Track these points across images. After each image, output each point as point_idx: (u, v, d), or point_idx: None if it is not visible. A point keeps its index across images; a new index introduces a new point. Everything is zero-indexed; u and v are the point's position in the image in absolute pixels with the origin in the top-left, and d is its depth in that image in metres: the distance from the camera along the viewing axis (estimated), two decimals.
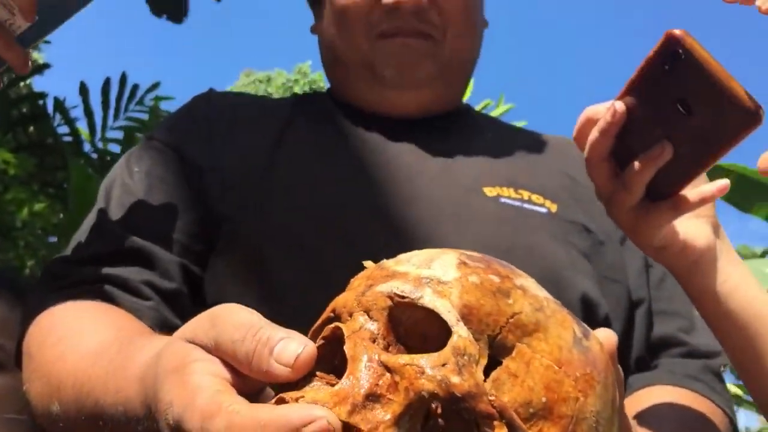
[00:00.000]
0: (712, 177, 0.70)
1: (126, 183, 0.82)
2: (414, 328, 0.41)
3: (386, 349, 0.40)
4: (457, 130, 0.90)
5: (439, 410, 0.39)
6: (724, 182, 0.67)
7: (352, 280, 0.45)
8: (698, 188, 0.67)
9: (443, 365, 0.38)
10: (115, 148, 3.61)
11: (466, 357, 0.38)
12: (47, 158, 3.46)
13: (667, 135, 0.62)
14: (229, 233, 0.77)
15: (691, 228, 0.70)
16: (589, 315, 0.75)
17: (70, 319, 0.69)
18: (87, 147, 3.59)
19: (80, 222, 0.82)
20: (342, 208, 0.77)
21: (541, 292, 0.43)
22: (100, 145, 3.61)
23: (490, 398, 0.38)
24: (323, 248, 0.74)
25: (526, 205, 0.80)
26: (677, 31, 0.58)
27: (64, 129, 3.51)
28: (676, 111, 0.60)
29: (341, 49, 0.89)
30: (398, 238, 0.74)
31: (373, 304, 0.41)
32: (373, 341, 0.40)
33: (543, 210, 0.80)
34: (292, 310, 0.56)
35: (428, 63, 0.85)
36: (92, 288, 0.72)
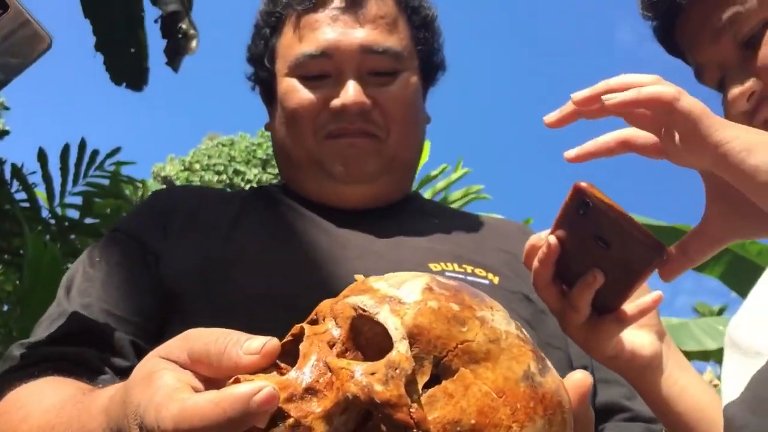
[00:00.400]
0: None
1: (87, 271, 0.86)
2: (373, 339, 0.45)
3: (343, 353, 0.45)
4: (404, 216, 0.95)
5: (380, 415, 0.42)
6: (657, 294, 0.74)
7: (345, 288, 0.49)
8: (637, 301, 0.72)
9: (372, 374, 0.42)
10: (73, 214, 3.58)
11: (397, 371, 0.41)
12: (3, 225, 3.40)
13: (596, 263, 0.68)
14: (181, 315, 0.80)
15: (638, 338, 0.75)
16: None
17: (32, 389, 0.72)
18: (45, 213, 3.54)
19: (36, 289, 0.88)
20: (292, 289, 0.79)
21: (507, 326, 0.46)
22: (58, 211, 3.56)
23: (411, 410, 0.41)
24: (273, 329, 0.76)
25: (469, 278, 0.85)
26: (583, 184, 0.66)
27: (21, 195, 3.45)
28: (597, 245, 0.67)
29: (291, 147, 0.95)
30: None
31: (340, 312, 0.45)
32: (332, 345, 0.45)
33: (485, 282, 0.85)
34: None
35: (374, 160, 0.92)
36: (52, 365, 0.75)
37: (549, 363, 0.48)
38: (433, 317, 0.44)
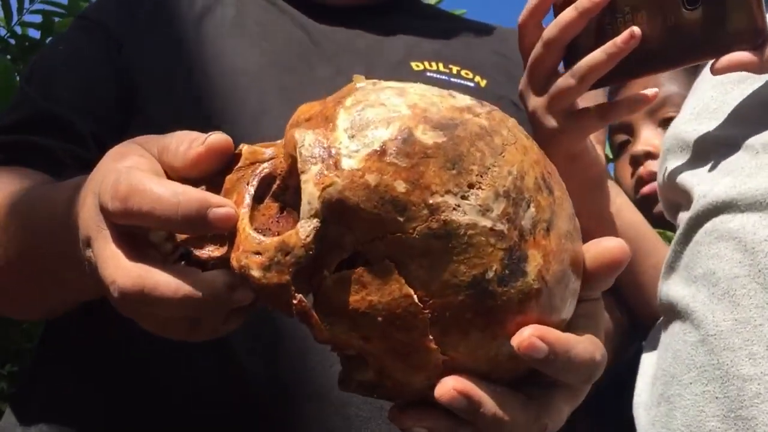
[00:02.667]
0: None
1: (49, 60, 0.83)
2: None
3: (280, 192, 0.40)
4: (393, 15, 0.87)
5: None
6: (653, 91, 0.65)
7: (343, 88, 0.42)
8: (626, 96, 0.67)
9: (257, 253, 0.38)
10: (34, 34, 3.12)
11: (288, 257, 0.37)
12: None
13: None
14: (144, 119, 0.74)
15: (592, 148, 0.72)
16: None
17: None
18: (3, 32, 3.14)
19: None
20: (258, 85, 0.75)
21: (484, 216, 0.37)
22: (18, 30, 3.12)
23: (294, 301, 0.37)
24: (231, 127, 0.63)
25: (453, 79, 0.79)
26: None
27: None
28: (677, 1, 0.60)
29: None
30: None
31: (287, 143, 0.40)
32: (271, 180, 0.41)
33: (471, 84, 0.80)
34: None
35: None
36: (10, 155, 0.71)
37: (532, 263, 0.37)
38: (364, 197, 0.36)
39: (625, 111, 0.67)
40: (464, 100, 0.40)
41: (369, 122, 0.38)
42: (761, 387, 0.56)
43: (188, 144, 0.42)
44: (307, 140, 0.38)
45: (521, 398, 0.40)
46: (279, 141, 0.42)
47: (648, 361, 0.68)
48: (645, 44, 0.60)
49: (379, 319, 0.37)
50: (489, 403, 0.38)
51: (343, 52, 0.79)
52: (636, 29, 0.60)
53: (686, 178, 0.66)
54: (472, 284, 0.36)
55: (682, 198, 0.67)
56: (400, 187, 0.36)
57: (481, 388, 0.38)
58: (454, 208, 0.36)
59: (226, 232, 0.39)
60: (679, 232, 0.66)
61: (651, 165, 1.04)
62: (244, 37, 0.79)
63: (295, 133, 0.39)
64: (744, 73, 0.67)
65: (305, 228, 0.37)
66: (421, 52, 0.81)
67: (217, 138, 0.42)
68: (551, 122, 0.67)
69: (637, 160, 1.04)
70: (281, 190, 0.40)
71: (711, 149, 0.66)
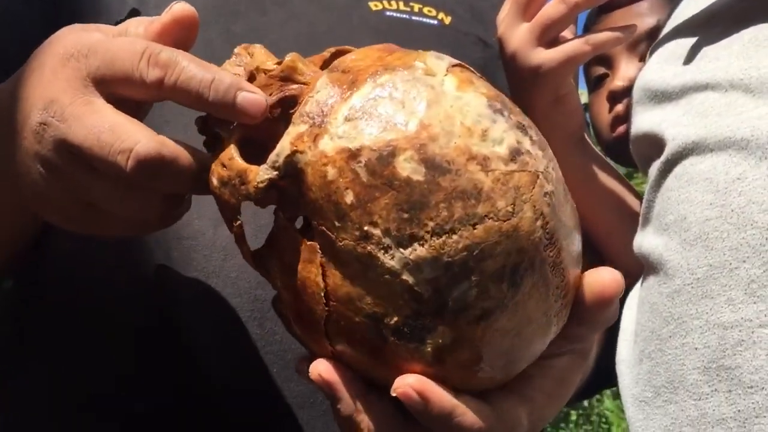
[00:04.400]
0: None
1: None
2: None
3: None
4: None
5: None
6: (632, 25, 0.65)
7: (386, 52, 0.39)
8: (607, 28, 0.64)
9: (223, 166, 0.38)
10: None
11: (243, 187, 0.37)
12: None
13: None
14: None
15: (576, 93, 0.69)
16: None
17: None
18: None
19: None
20: (203, 32, 0.61)
21: (400, 270, 0.34)
22: None
23: (235, 223, 0.38)
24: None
25: (414, 18, 0.75)
26: None
27: None
28: None
29: None
30: None
31: (311, 82, 0.39)
32: (293, 100, 0.39)
33: (434, 22, 0.76)
34: None
35: None
36: None
37: (440, 332, 0.35)
38: (318, 183, 0.35)
39: (613, 40, 0.64)
40: (495, 146, 0.34)
41: (372, 115, 0.35)
42: (743, 333, 0.53)
43: (149, 21, 0.40)
44: (318, 96, 0.37)
45: (478, 403, 0.37)
46: (322, 72, 0.39)
47: (628, 318, 0.65)
48: None
49: (295, 280, 0.36)
50: (443, 406, 0.36)
51: None
52: None
53: (656, 126, 0.63)
54: (371, 317, 0.35)
55: (653, 148, 0.64)
56: (348, 197, 0.34)
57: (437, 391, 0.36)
58: (384, 249, 0.34)
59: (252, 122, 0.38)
60: (650, 181, 0.63)
61: (629, 102, 1.00)
62: None
63: (319, 80, 0.37)
64: (707, 17, 0.64)
65: (263, 174, 0.36)
66: None
67: (181, 7, 0.40)
68: (537, 56, 0.64)
69: (615, 97, 1.00)
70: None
71: (680, 94, 0.63)
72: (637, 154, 0.70)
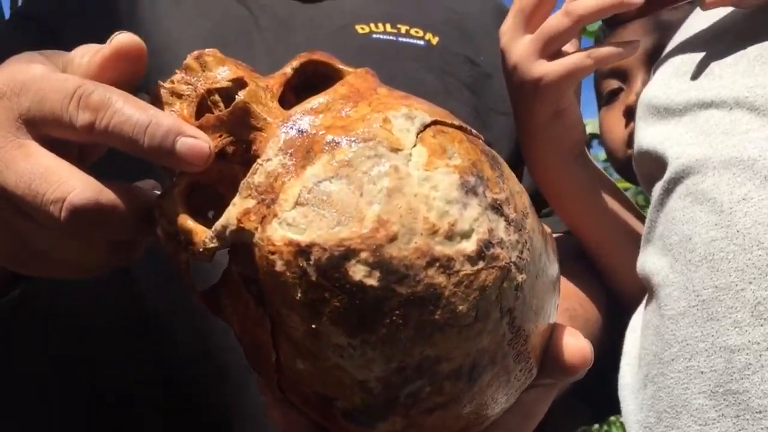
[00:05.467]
0: None
1: None
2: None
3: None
4: None
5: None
6: (635, 40, 0.63)
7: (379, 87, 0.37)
8: (610, 43, 0.64)
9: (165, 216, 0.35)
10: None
11: (189, 246, 0.34)
12: None
13: None
14: None
15: (577, 107, 0.68)
16: None
17: None
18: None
19: None
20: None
21: (352, 369, 0.32)
22: None
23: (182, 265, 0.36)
24: None
25: (402, 39, 0.77)
26: None
27: None
28: None
29: None
30: None
31: (267, 136, 0.35)
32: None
33: (421, 43, 0.78)
34: None
35: None
36: None
37: (390, 422, 0.33)
38: (266, 272, 0.32)
39: (616, 55, 0.62)
40: (462, 242, 0.31)
41: (325, 203, 0.31)
42: (750, 357, 0.51)
43: (94, 51, 0.37)
44: (269, 166, 0.33)
45: None
46: (280, 117, 0.35)
47: (631, 341, 0.63)
48: None
49: (248, 333, 0.35)
50: None
51: (282, 21, 0.75)
52: None
53: (659, 144, 0.62)
54: (321, 396, 0.33)
55: (655, 166, 0.63)
56: (297, 293, 0.31)
57: None
58: (333, 347, 0.31)
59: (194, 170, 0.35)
60: (654, 200, 0.62)
61: None
62: (179, 15, 0.75)
63: (272, 141, 0.34)
64: (713, 33, 0.63)
65: (209, 242, 0.33)
66: (367, 14, 0.77)
67: (124, 38, 0.36)
68: (539, 68, 0.63)
69: (632, 112, 0.98)
70: (249, 162, 0.35)
71: (683, 111, 0.61)
72: (640, 172, 0.69)
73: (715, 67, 0.61)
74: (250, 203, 0.32)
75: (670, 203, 0.59)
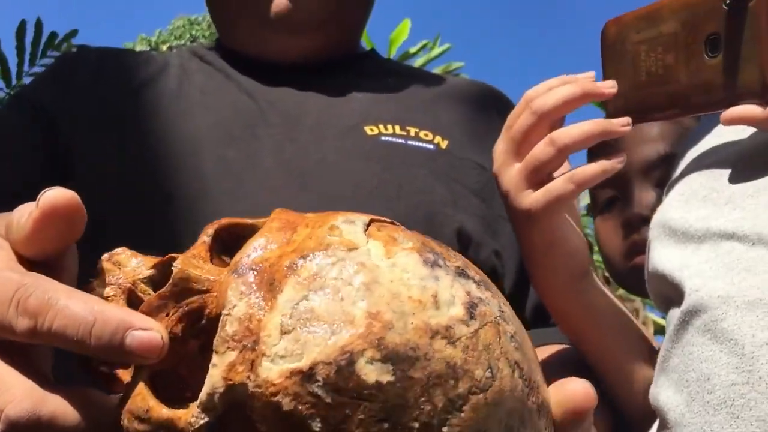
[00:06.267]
0: None
1: None
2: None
3: (205, 329, 0.34)
4: (351, 74, 0.84)
5: None
6: (621, 156, 0.62)
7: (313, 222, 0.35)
8: (595, 162, 0.62)
9: (140, 420, 0.32)
10: None
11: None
12: None
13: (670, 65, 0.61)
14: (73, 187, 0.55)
15: (574, 234, 0.65)
16: (467, 252, 0.72)
17: None
18: (2, 94, 3.30)
19: None
20: (195, 159, 0.71)
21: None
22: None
23: None
24: (165, 206, 0.67)
25: (410, 142, 0.76)
26: None
27: None
28: (701, 46, 0.59)
29: None
30: (253, 191, 0.69)
31: (220, 294, 0.33)
32: (199, 314, 0.34)
33: (430, 147, 0.77)
34: None
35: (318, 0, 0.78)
36: None
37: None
38: (270, 419, 0.30)
39: (599, 175, 0.61)
40: (450, 309, 0.31)
41: (310, 319, 0.30)
42: None
43: (27, 213, 0.35)
44: (236, 312, 0.31)
45: None
46: (222, 272, 0.34)
47: None
48: (668, 86, 0.61)
49: None
50: None
51: (291, 118, 0.75)
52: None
53: (677, 271, 0.61)
54: None
55: (672, 292, 0.61)
56: (315, 426, 0.29)
57: None
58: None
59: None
60: (670, 329, 0.60)
61: (647, 232, 0.97)
62: (184, 108, 0.74)
63: (229, 291, 0.32)
64: (733, 158, 0.62)
65: (197, 419, 0.30)
66: (377, 115, 0.77)
67: (50, 195, 0.34)
68: (527, 199, 0.62)
69: (631, 224, 0.97)
70: (206, 329, 0.33)
71: (703, 239, 0.60)
72: (654, 293, 0.67)
73: (736, 196, 0.60)
74: (232, 356, 0.30)
75: (687, 336, 0.57)
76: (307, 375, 0.29)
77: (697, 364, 0.55)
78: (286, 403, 0.29)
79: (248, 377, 0.30)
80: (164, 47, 14.18)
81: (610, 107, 0.63)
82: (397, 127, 0.76)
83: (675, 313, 0.60)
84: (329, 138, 0.73)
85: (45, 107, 0.76)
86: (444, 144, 0.77)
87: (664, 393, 0.58)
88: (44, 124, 0.75)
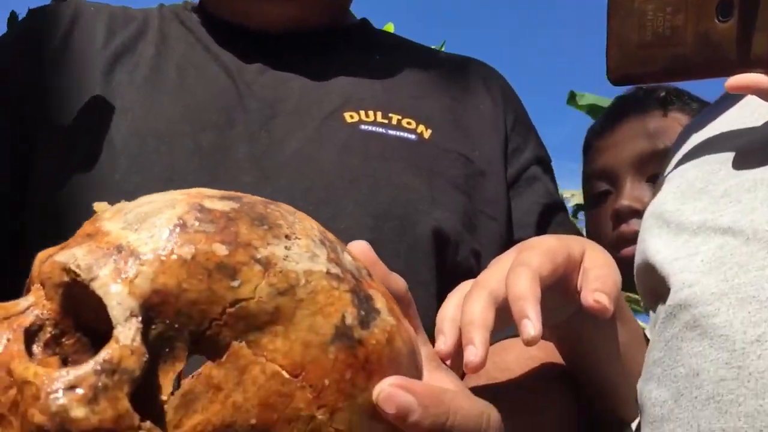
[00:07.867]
0: None
1: None
2: (104, 314, 0.30)
3: (56, 340, 0.32)
4: (337, 48, 0.81)
5: None
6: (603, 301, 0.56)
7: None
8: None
9: (72, 388, 0.28)
10: None
11: (115, 376, 0.28)
12: None
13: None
14: (37, 165, 0.71)
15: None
16: (444, 252, 0.70)
17: None
18: None
19: None
20: (168, 147, 0.69)
21: (311, 261, 0.34)
22: None
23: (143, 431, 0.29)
24: (133, 196, 0.58)
25: (391, 132, 0.74)
26: None
27: None
28: (712, 9, 0.57)
29: None
30: (226, 177, 0.68)
31: (48, 276, 0.32)
32: (37, 329, 0.32)
33: (412, 137, 0.74)
34: None
35: None
36: None
37: (378, 300, 0.36)
38: (185, 273, 0.31)
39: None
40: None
41: (149, 213, 0.33)
42: None
43: None
44: (79, 254, 0.32)
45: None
46: (32, 289, 0.34)
47: None
48: (674, 48, 0.59)
49: (252, 421, 0.31)
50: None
51: (269, 103, 0.73)
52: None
53: (667, 264, 0.60)
54: (336, 336, 0.33)
55: (661, 285, 0.61)
56: (221, 250, 0.32)
57: None
58: (284, 258, 0.33)
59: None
60: (657, 321, 0.60)
61: (635, 224, 0.98)
62: (159, 88, 0.72)
63: (56, 257, 0.32)
64: (730, 152, 0.61)
65: (126, 333, 0.30)
66: (359, 99, 0.75)
67: None
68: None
69: (620, 215, 0.97)
70: (56, 338, 0.33)
71: (697, 232, 0.59)
72: (643, 285, 0.66)
73: (732, 189, 0.59)
74: (108, 268, 0.32)
75: (674, 330, 0.56)
76: (182, 225, 0.33)
77: (686, 359, 0.54)
78: (187, 251, 0.32)
79: (140, 265, 0.31)
80: None
81: (611, 64, 0.62)
82: (379, 114, 0.74)
83: (662, 308, 0.59)
84: (307, 126, 0.72)
85: (9, 74, 0.74)
86: (427, 134, 0.75)
87: (648, 387, 0.58)
88: (7, 98, 0.73)
